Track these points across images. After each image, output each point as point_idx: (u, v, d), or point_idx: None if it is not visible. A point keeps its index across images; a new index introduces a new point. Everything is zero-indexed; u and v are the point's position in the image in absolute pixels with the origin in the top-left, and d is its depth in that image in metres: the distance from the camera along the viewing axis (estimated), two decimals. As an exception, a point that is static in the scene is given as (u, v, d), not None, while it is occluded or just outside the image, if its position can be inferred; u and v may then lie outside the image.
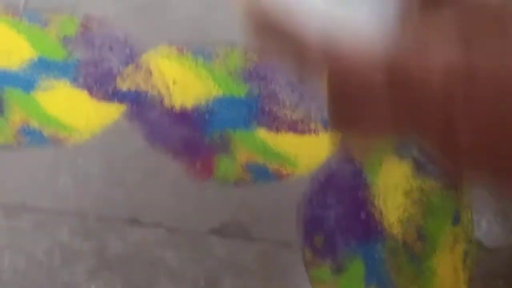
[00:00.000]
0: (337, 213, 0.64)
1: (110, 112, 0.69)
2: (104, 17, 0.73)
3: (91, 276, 0.64)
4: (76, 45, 0.72)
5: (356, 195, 0.65)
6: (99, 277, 0.64)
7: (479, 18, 0.27)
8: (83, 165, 0.67)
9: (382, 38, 0.30)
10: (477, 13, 0.27)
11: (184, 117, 0.68)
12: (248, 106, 0.68)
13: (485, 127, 0.27)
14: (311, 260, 0.63)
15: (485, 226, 0.64)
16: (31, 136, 0.68)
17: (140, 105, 0.69)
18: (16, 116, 0.69)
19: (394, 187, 0.65)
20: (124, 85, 0.70)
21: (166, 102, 0.69)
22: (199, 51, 0.71)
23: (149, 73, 0.70)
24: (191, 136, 0.68)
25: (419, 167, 0.65)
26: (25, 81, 0.70)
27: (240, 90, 0.69)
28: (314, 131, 0.67)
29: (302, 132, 0.67)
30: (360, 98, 0.29)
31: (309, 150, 0.66)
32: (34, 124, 0.68)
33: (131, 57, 0.71)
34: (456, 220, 0.64)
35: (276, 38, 0.32)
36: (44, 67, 0.71)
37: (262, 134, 0.67)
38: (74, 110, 0.69)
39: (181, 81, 0.70)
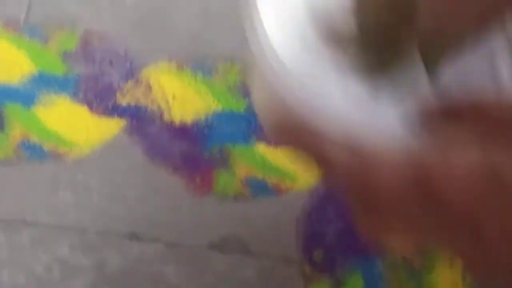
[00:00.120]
0: (336, 228, 0.64)
1: (110, 127, 0.69)
2: (104, 32, 0.73)
3: (90, 291, 0.64)
4: (76, 60, 0.72)
5: (355, 210, 0.65)
6: (99, 292, 0.64)
7: (500, 127, 0.27)
8: (83, 180, 0.67)
9: (404, 142, 0.30)
10: (498, 123, 0.27)
11: (183, 132, 0.69)
12: (247, 121, 0.69)
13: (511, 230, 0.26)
14: (311, 275, 0.64)
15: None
16: (31, 151, 0.68)
17: (140, 120, 0.69)
18: (16, 131, 0.69)
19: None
20: (124, 100, 0.70)
21: (166, 117, 0.69)
22: (198, 66, 0.71)
23: (149, 88, 0.70)
24: (191, 151, 0.68)
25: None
26: (25, 96, 0.70)
27: (239, 105, 0.70)
28: (313, 146, 0.67)
29: (301, 147, 0.67)
30: (383, 203, 0.29)
31: (308, 165, 0.66)
32: (34, 139, 0.69)
33: (131, 72, 0.71)
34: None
35: (298, 137, 0.32)
36: (44, 82, 0.71)
37: (261, 149, 0.68)
38: (74, 125, 0.70)
39: (180, 96, 0.70)
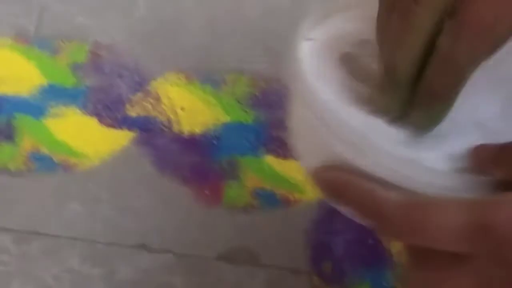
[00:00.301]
0: (345, 239, 0.65)
1: (119, 139, 0.70)
2: (114, 44, 0.74)
3: (100, 302, 0.65)
4: (85, 72, 0.73)
5: (363, 221, 0.65)
6: (108, 303, 0.65)
7: (497, 272, 0.27)
8: (92, 191, 0.68)
9: (455, 185, 0.30)
10: (495, 268, 0.27)
11: (192, 143, 0.69)
12: (256, 133, 0.69)
13: None
14: (319, 286, 0.64)
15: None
16: (41, 162, 0.69)
17: (149, 131, 0.70)
18: (26, 142, 0.70)
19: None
20: (133, 112, 0.71)
21: (175, 128, 0.70)
22: (207, 78, 0.72)
23: (158, 100, 0.71)
24: (200, 162, 0.69)
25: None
26: (35, 107, 0.71)
27: (248, 117, 0.70)
28: (322, 158, 0.68)
29: (310, 158, 0.68)
30: (442, 253, 0.28)
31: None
32: (44, 150, 0.69)
33: (140, 84, 0.72)
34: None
35: (351, 200, 0.32)
36: (54, 93, 0.72)
37: (270, 160, 0.68)
38: (84, 136, 0.70)
39: (189, 108, 0.71)
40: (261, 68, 0.72)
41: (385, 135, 0.33)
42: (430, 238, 0.27)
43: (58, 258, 0.66)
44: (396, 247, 0.65)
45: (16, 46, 0.74)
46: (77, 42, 0.74)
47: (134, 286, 0.65)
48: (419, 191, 0.30)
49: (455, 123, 0.33)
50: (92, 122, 0.71)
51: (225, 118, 0.70)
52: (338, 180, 0.32)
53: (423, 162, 0.31)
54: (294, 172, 0.67)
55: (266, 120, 0.70)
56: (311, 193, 0.67)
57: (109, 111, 0.71)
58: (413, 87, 0.31)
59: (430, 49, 0.30)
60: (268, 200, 0.67)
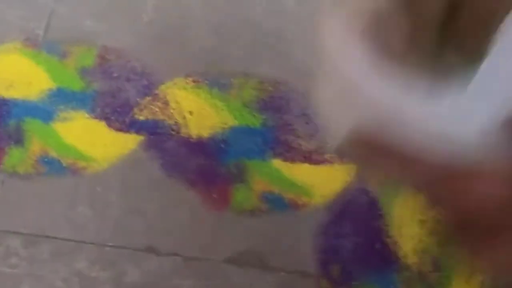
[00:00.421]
0: (353, 243, 0.65)
1: (128, 142, 0.70)
2: (122, 48, 0.74)
3: (109, 305, 0.65)
4: (94, 76, 0.73)
5: (371, 225, 0.66)
6: (117, 306, 0.65)
7: None
8: (101, 194, 0.68)
9: (495, 147, 0.29)
10: None
11: (200, 147, 0.70)
12: (263, 136, 0.70)
13: None
14: (327, 289, 0.64)
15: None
16: (50, 166, 0.69)
17: (157, 135, 0.70)
18: (35, 146, 0.70)
19: (409, 217, 0.66)
20: (141, 116, 0.71)
21: (183, 132, 0.70)
22: (214, 82, 0.72)
23: (166, 103, 0.71)
24: (207, 166, 0.69)
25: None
26: (44, 111, 0.71)
27: (255, 121, 0.70)
28: (329, 162, 0.68)
29: (317, 162, 0.68)
30: (485, 214, 0.28)
31: (324, 180, 0.67)
32: (53, 154, 0.70)
33: (148, 88, 0.72)
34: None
35: (390, 161, 0.31)
36: (63, 98, 0.72)
37: (278, 164, 0.68)
38: (92, 140, 0.70)
39: (197, 112, 0.71)
40: (268, 72, 0.73)
41: (416, 103, 0.32)
42: (472, 207, 0.27)
43: (66, 261, 0.66)
44: (403, 251, 0.65)
45: (25, 51, 0.75)
46: (86, 46, 0.75)
47: (143, 289, 0.65)
48: (455, 159, 0.30)
49: (487, 90, 0.32)
50: (100, 126, 0.71)
51: (232, 122, 0.70)
52: (377, 139, 0.31)
53: (457, 129, 0.31)
54: (302, 176, 0.68)
55: (274, 124, 0.70)
56: (319, 197, 0.67)
57: (118, 115, 0.71)
58: (444, 28, 0.31)
59: None
60: (276, 203, 0.67)
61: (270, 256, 0.65)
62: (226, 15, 0.76)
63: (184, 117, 0.71)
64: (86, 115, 0.71)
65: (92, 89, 0.73)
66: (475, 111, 0.32)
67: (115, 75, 0.73)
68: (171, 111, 0.71)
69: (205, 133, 0.70)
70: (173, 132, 0.70)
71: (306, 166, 0.68)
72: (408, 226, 0.65)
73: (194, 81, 0.72)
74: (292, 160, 0.68)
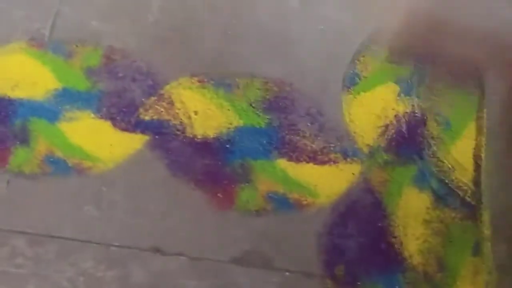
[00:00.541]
0: (358, 243, 0.65)
1: (133, 142, 0.70)
2: (127, 48, 0.75)
3: (114, 304, 0.65)
4: (99, 76, 0.73)
5: (376, 225, 0.66)
6: (122, 305, 0.65)
7: None
8: (106, 194, 0.68)
9: None
10: None
11: (205, 146, 0.70)
12: (269, 136, 0.70)
13: None
14: (332, 289, 0.64)
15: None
16: (56, 166, 0.69)
17: (162, 135, 0.70)
18: (41, 146, 0.70)
19: (413, 217, 0.66)
20: (146, 116, 0.71)
21: (188, 132, 0.70)
22: (220, 82, 0.72)
23: (171, 103, 0.72)
24: (213, 166, 0.69)
25: (438, 198, 0.66)
26: (50, 111, 0.72)
27: (261, 121, 0.71)
28: (334, 161, 0.68)
29: (322, 162, 0.68)
30: None
31: (329, 180, 0.67)
32: (59, 153, 0.70)
33: (154, 88, 0.72)
34: (476, 251, 0.64)
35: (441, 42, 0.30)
36: (68, 97, 0.72)
37: (283, 164, 0.69)
38: (98, 140, 0.71)
39: (202, 112, 0.71)
40: (273, 72, 0.73)
41: None
42: None
43: (72, 261, 0.66)
44: (407, 251, 0.65)
45: (30, 51, 0.75)
46: (91, 46, 0.75)
47: (148, 288, 0.65)
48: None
49: None
50: (106, 126, 0.71)
51: (238, 122, 0.71)
52: (435, 16, 0.31)
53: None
54: (307, 176, 0.68)
55: (279, 124, 0.70)
56: (323, 197, 0.67)
57: (123, 115, 0.71)
58: None
59: None
60: (281, 203, 0.67)
61: (274, 256, 0.65)
62: (232, 16, 0.77)
63: (189, 117, 0.71)
64: (92, 115, 0.72)
65: (97, 89, 0.73)
66: None
67: (120, 75, 0.73)
68: (177, 111, 0.71)
69: (210, 133, 0.70)
70: (178, 132, 0.70)
71: (311, 166, 0.68)
72: (413, 226, 0.65)
73: (199, 81, 0.72)
74: (297, 160, 0.69)
